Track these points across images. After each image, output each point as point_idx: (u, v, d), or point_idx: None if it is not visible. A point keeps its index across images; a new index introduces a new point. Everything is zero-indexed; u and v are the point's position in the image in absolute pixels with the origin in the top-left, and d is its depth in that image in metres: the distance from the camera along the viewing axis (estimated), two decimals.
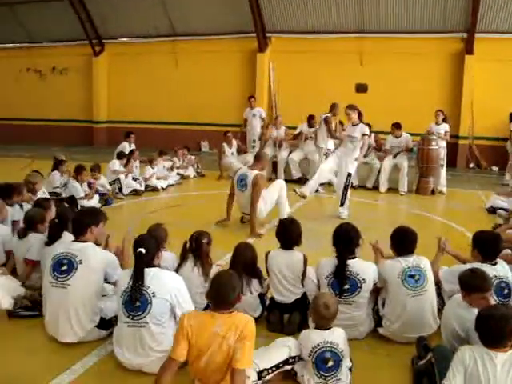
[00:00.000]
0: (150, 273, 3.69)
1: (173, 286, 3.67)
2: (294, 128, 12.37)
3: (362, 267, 4.13)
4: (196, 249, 4.56)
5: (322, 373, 3.35)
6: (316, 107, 13.49)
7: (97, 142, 19.49)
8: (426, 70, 15.28)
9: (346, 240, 4.18)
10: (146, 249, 3.74)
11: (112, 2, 17.86)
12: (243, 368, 2.96)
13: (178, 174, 11.94)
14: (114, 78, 19.31)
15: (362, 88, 16.06)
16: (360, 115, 8.57)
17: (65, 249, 4.15)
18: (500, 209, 8.74)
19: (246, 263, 4.36)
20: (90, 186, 8.85)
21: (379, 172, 11.07)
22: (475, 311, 3.56)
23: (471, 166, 15.50)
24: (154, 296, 3.61)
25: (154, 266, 3.80)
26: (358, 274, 4.08)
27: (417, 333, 3.95)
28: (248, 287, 4.33)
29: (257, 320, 4.40)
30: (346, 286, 4.06)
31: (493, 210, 8.95)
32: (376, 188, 11.07)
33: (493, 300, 3.89)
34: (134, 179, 10.45)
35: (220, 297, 3.10)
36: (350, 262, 4.10)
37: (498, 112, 14.69)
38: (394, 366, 3.79)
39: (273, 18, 16.66)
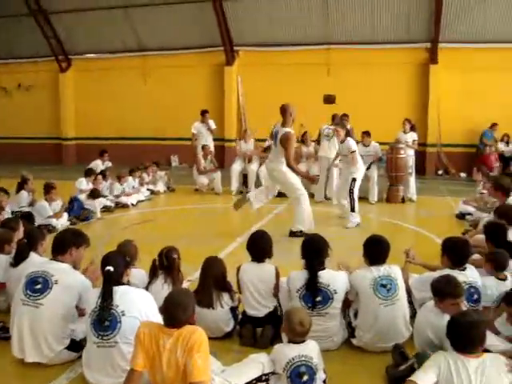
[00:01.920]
0: (118, 291, 3.62)
1: (143, 304, 3.61)
2: (264, 140, 12.38)
3: (333, 278, 4.12)
4: (167, 265, 4.50)
5: None
6: None
7: (66, 160, 19.23)
8: (392, 80, 15.53)
9: (315, 252, 4.16)
10: (114, 267, 3.67)
11: (78, 18, 17.73)
12: (198, 380, 2.91)
13: (148, 189, 11.83)
14: (82, 94, 19.09)
15: (329, 99, 16.14)
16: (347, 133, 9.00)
17: (40, 267, 4.07)
18: (469, 214, 8.87)
19: (215, 277, 4.32)
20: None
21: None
22: (448, 318, 3.59)
23: (440, 172, 15.76)
24: (123, 314, 3.54)
25: (123, 283, 3.74)
26: (328, 285, 4.06)
27: (390, 342, 3.94)
28: (219, 301, 4.28)
29: (230, 334, 4.40)
30: (318, 298, 4.03)
31: (462, 216, 9.08)
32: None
33: (464, 306, 3.94)
34: (104, 196, 10.32)
35: (171, 316, 3.07)
36: (320, 273, 4.08)
37: (464, 119, 15.05)
38: (369, 375, 3.77)
39: (240, 31, 16.75)
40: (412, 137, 11.21)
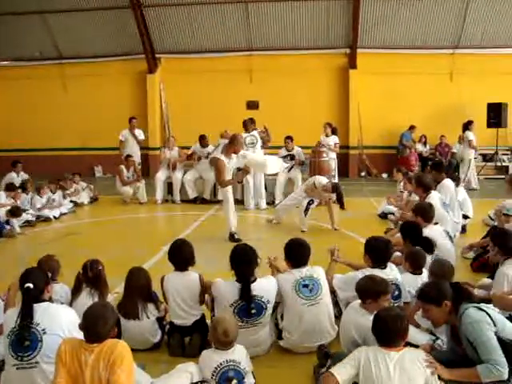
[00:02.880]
0: (39, 308, 3.49)
1: (66, 320, 3.49)
2: (188, 148, 12.34)
3: (265, 288, 4.11)
4: (93, 277, 4.39)
5: None
6: (209, 126, 13.62)
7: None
8: (314, 85, 15.91)
9: (245, 261, 4.13)
10: (34, 283, 3.55)
11: None
12: None
13: (71, 201, 11.47)
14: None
15: (253, 105, 16.36)
16: None
17: None
18: (391, 213, 9.20)
19: (140, 288, 4.26)
20: None
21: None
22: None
23: (362, 174, 16.26)
24: (44, 333, 3.42)
25: (44, 300, 3.61)
26: (262, 297, 4.06)
27: (316, 341, 4.03)
28: (144, 312, 4.22)
29: (158, 345, 4.34)
30: (253, 311, 4.03)
31: (384, 215, 9.43)
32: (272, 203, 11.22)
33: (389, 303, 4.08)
34: (24, 210, 9.92)
35: (90, 331, 2.99)
36: (252, 285, 4.05)
37: (383, 121, 15.66)
38: (297, 377, 3.83)
39: (161, 38, 16.63)
40: (334, 140, 11.52)
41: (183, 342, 4.21)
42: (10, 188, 10.06)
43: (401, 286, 4.26)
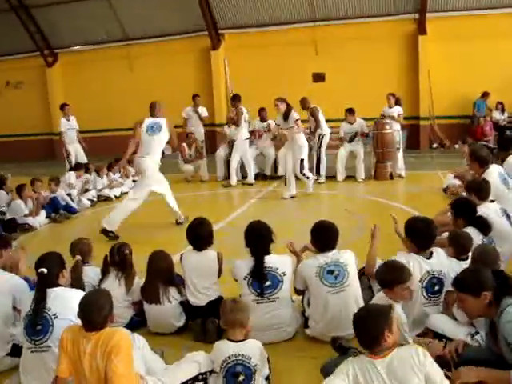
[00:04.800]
0: (52, 293, 3.49)
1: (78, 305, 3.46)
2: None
3: (280, 261, 3.97)
4: (120, 261, 4.38)
5: None
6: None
7: (59, 155, 19.07)
8: (381, 54, 15.18)
9: (259, 238, 3.99)
10: (48, 268, 3.55)
11: (60, 11, 17.49)
12: None
13: (133, 180, 11.66)
14: (70, 88, 18.90)
15: (319, 77, 15.94)
16: (288, 105, 9.23)
17: None
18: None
19: (161, 271, 4.19)
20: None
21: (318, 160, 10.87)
22: (399, 307, 3.40)
23: (434, 146, 15.44)
24: (55, 317, 3.42)
25: (59, 285, 3.59)
26: (277, 269, 3.91)
27: (345, 331, 3.73)
28: (165, 296, 4.14)
29: (183, 329, 4.25)
30: (268, 283, 3.88)
31: None
32: (334, 177, 10.89)
33: (419, 293, 3.74)
34: (87, 190, 10.22)
35: (86, 319, 2.91)
36: (266, 258, 3.93)
37: (456, 89, 14.72)
38: (319, 368, 3.59)
39: (224, 14, 16.46)
40: (397, 110, 10.90)
41: (205, 327, 4.08)
42: (77, 167, 10.36)
43: (445, 279, 3.78)
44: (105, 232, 7.23)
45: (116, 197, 10.46)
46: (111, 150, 15.26)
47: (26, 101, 19.19)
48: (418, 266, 3.76)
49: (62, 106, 12.63)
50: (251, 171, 11.23)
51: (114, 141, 17.45)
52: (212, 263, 4.21)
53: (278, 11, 15.88)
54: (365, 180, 10.63)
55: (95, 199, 10.08)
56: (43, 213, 8.59)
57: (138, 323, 4.32)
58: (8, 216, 8.20)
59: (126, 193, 10.84)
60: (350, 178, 10.82)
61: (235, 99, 11.22)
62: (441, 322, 3.69)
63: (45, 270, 3.52)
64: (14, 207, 8.21)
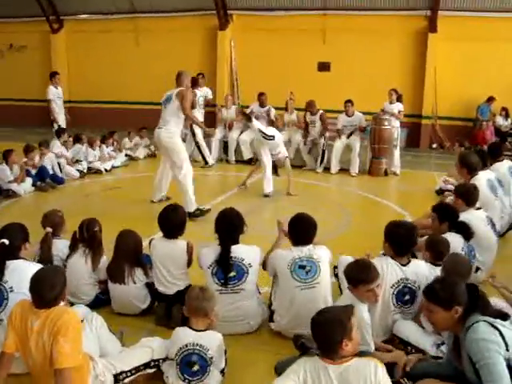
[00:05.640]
0: (10, 265, 3.41)
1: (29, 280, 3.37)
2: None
3: (246, 251, 3.87)
4: (88, 238, 4.28)
5: (187, 376, 3.07)
6: (278, 86, 13.21)
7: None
8: (388, 48, 14.91)
9: (228, 226, 3.89)
10: (10, 239, 3.46)
11: None
12: (63, 367, 2.65)
13: (126, 155, 11.58)
14: (74, 57, 18.64)
15: (324, 67, 15.73)
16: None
17: None
18: (448, 191, 8.49)
19: (127, 251, 4.09)
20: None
21: (323, 152, 10.82)
22: (364, 307, 3.30)
23: (434, 146, 15.25)
24: (11, 291, 3.35)
25: (20, 258, 3.50)
26: (243, 260, 3.82)
27: (307, 329, 3.61)
28: (130, 276, 4.04)
29: (147, 311, 4.17)
30: (232, 274, 3.78)
31: (441, 192, 8.68)
32: (328, 169, 10.77)
33: (390, 302, 3.64)
34: (78, 161, 10.11)
35: (36, 295, 2.81)
36: (233, 247, 3.83)
37: (462, 91, 14.48)
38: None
39: None
40: (398, 107, 10.73)
41: (169, 311, 3.99)
42: (59, 133, 10.30)
43: (418, 291, 3.64)
44: (193, 215, 6.96)
45: (106, 170, 10.34)
46: (110, 123, 15.22)
47: (28, 66, 18.90)
48: (391, 270, 3.65)
49: (53, 74, 12.26)
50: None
51: (114, 113, 17.39)
52: (181, 253, 4.08)
53: None
54: (358, 174, 10.49)
55: (85, 171, 9.94)
56: (29, 180, 8.48)
57: (102, 302, 4.24)
58: None
59: (116, 167, 10.77)
60: (344, 171, 10.68)
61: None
62: (406, 329, 3.61)
63: (6, 241, 3.44)
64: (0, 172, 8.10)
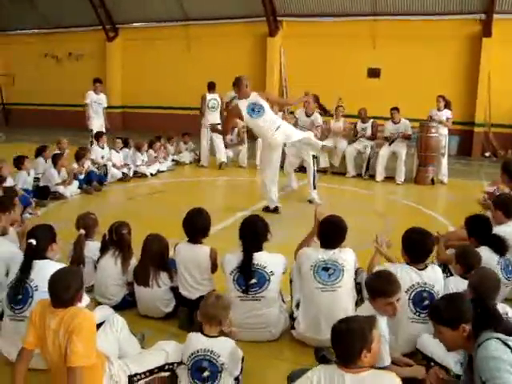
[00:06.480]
0: (36, 265, 3.52)
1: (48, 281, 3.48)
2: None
3: (269, 259, 3.85)
4: (117, 240, 4.38)
5: (197, 381, 3.07)
6: (327, 92, 13.08)
7: (111, 127, 19.45)
8: (439, 54, 14.59)
9: (252, 234, 3.88)
10: (38, 240, 3.57)
11: None
12: (75, 366, 2.71)
13: (173, 160, 11.78)
14: (128, 63, 19.28)
15: (374, 73, 15.56)
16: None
17: None
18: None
19: (153, 255, 4.15)
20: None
21: (369, 159, 10.70)
22: (382, 320, 3.22)
23: (487, 155, 14.75)
24: (36, 290, 3.45)
25: (46, 258, 3.62)
26: (265, 267, 3.80)
27: (324, 336, 3.55)
28: (155, 280, 4.10)
29: (171, 315, 4.21)
30: (253, 281, 3.77)
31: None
32: (373, 176, 10.61)
33: (407, 307, 3.54)
34: (125, 165, 10.37)
35: (53, 294, 2.88)
36: (255, 255, 3.81)
37: None
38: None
39: (284, 1, 16.19)
40: (446, 114, 10.45)
41: (192, 316, 4.01)
42: (98, 137, 10.52)
43: (436, 296, 3.54)
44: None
45: (152, 174, 10.55)
46: (160, 127, 15.51)
47: (84, 73, 19.48)
48: (406, 275, 3.57)
49: (95, 81, 12.34)
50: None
51: (164, 118, 17.77)
52: (204, 258, 4.10)
53: (339, 2, 15.50)
54: (404, 183, 10.28)
55: (131, 174, 10.19)
56: (76, 183, 8.75)
57: (129, 303, 4.32)
58: (42, 183, 8.41)
59: (162, 171, 10.97)
60: (390, 179, 10.48)
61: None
62: (431, 345, 3.47)
63: (33, 242, 3.55)
64: (48, 175, 8.39)
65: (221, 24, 17.17)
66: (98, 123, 11.94)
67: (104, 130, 11.62)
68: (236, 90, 7.45)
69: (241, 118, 7.26)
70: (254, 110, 7.06)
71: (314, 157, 8.33)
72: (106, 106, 12.34)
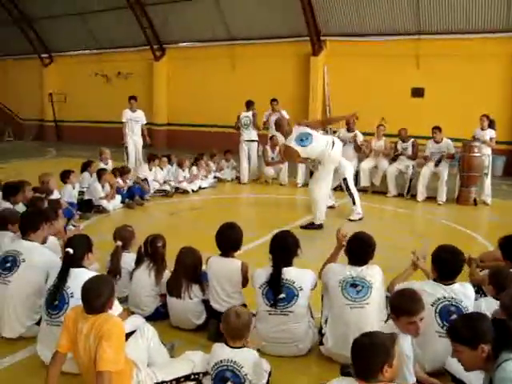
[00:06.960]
0: (73, 273, 3.67)
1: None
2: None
3: (298, 275, 3.89)
4: (152, 253, 4.51)
5: None
6: (370, 111, 13.08)
7: (157, 144, 19.91)
8: (484, 72, 14.32)
9: (282, 249, 3.94)
10: (75, 249, 3.73)
11: (171, 8, 18.28)
12: (104, 370, 2.82)
13: (215, 177, 11.97)
14: (174, 82, 19.76)
15: (417, 92, 15.42)
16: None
17: (11, 246, 4.24)
18: None
19: (186, 267, 4.24)
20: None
21: (410, 179, 10.61)
22: (405, 338, 3.19)
23: None
24: (72, 297, 3.60)
25: (82, 266, 3.77)
26: (294, 282, 3.84)
27: None
28: (187, 292, 4.19)
29: (202, 327, 4.29)
30: (282, 295, 3.81)
31: None
32: (414, 196, 10.48)
33: (434, 321, 3.52)
34: (166, 181, 10.61)
35: (85, 302, 3.03)
36: (284, 270, 3.87)
37: None
38: None
39: (327, 21, 16.28)
40: (490, 134, 10.27)
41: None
42: (150, 159, 10.78)
43: (463, 310, 3.53)
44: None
45: (193, 191, 10.75)
46: (204, 145, 15.73)
47: (131, 91, 19.87)
48: (431, 289, 3.60)
49: (131, 98, 12.54)
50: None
51: (208, 136, 18.06)
52: (235, 272, 4.18)
53: (383, 21, 15.46)
54: (445, 203, 10.10)
55: (173, 190, 10.41)
56: (118, 197, 9.03)
57: (161, 314, 4.43)
58: (86, 197, 8.70)
59: (203, 188, 11.16)
60: (431, 199, 10.34)
61: None
62: (458, 364, 3.44)
63: (71, 251, 3.70)
64: (92, 189, 8.68)
65: (265, 44, 17.42)
66: (133, 140, 12.23)
67: (141, 147, 12.22)
68: (280, 132, 8.20)
69: (299, 156, 7.61)
70: (303, 139, 7.54)
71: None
72: (144, 122, 12.62)
